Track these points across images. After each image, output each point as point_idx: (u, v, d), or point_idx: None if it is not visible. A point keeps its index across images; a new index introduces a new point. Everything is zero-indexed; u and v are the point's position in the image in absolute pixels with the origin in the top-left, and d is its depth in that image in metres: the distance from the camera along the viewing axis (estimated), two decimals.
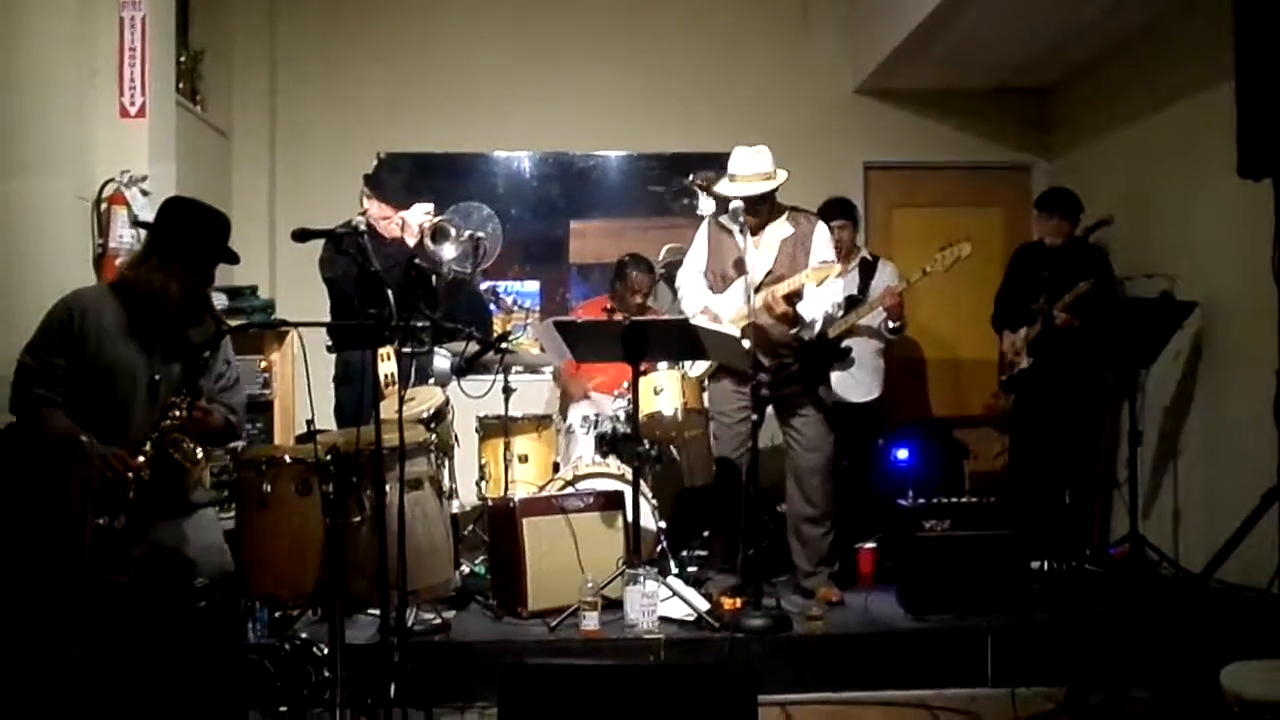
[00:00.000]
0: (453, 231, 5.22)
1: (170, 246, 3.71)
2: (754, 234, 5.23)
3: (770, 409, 5.37)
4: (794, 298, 5.13)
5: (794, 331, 5.21)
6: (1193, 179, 5.92)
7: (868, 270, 6.39)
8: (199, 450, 3.62)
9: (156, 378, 3.66)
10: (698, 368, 5.66)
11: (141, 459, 3.52)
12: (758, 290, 5.10)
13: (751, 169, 5.19)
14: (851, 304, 6.08)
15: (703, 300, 5.38)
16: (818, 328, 5.29)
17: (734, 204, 5.15)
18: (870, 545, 5.92)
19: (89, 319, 3.63)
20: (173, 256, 3.69)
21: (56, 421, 3.56)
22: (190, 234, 3.73)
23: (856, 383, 6.28)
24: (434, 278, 5.35)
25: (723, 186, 5.29)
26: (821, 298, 5.21)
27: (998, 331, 6.39)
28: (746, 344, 4.97)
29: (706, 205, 5.61)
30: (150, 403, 3.65)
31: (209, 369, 3.77)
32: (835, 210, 6.19)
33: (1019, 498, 5.68)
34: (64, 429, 3.55)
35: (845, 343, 6.16)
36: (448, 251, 5.20)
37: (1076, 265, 5.94)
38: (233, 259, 3.87)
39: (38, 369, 3.59)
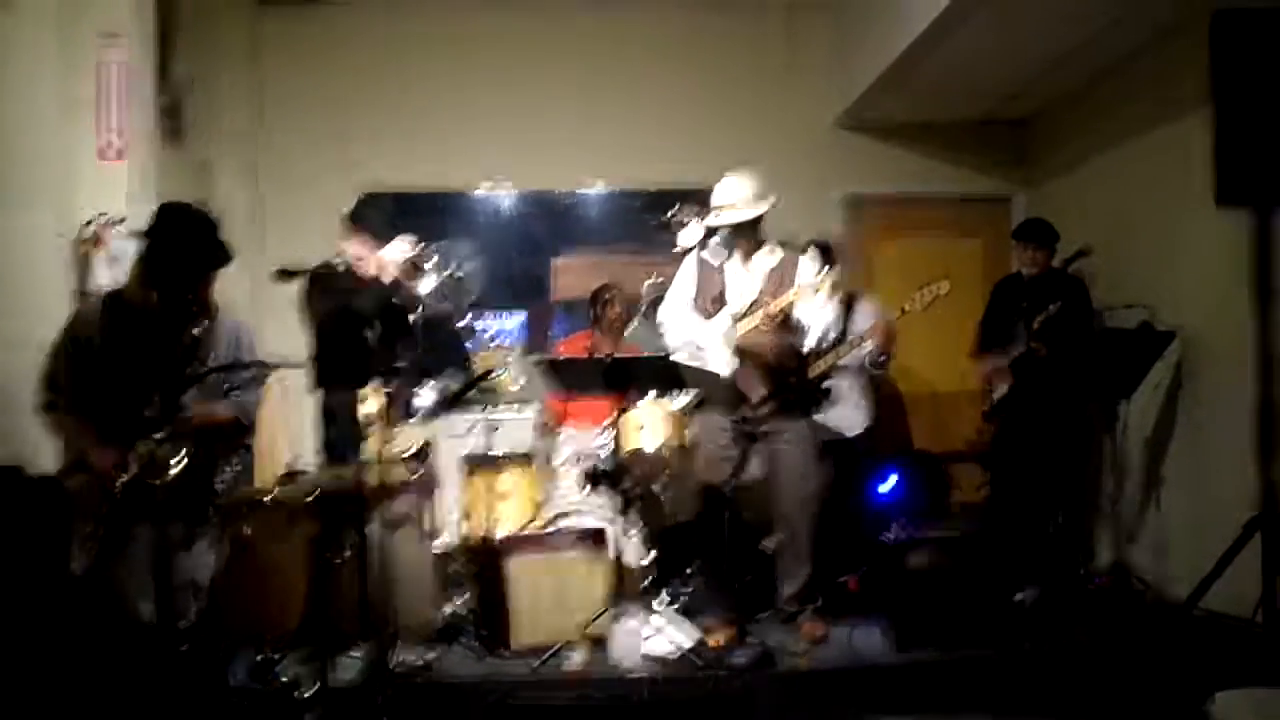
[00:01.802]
0: (430, 267, 5.20)
1: (152, 257, 3.92)
2: (744, 260, 5.27)
3: (756, 444, 5.36)
4: (786, 315, 5.13)
5: (794, 340, 5.21)
6: (1171, 208, 5.95)
7: (846, 307, 6.37)
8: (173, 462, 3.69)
9: (155, 378, 3.78)
10: (681, 402, 5.65)
11: (124, 475, 3.69)
12: (744, 318, 5.10)
13: (741, 194, 5.22)
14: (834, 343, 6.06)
15: (693, 329, 5.38)
16: (815, 335, 5.24)
17: (715, 239, 5.20)
18: (854, 578, 5.89)
19: (91, 331, 3.92)
20: (154, 266, 3.89)
21: (66, 425, 3.95)
22: (168, 244, 3.88)
23: (846, 418, 6.28)
24: (411, 317, 5.33)
25: (712, 218, 5.31)
26: (817, 308, 5.21)
27: (977, 358, 6.42)
28: (736, 365, 4.92)
29: (687, 236, 5.60)
30: (152, 401, 3.76)
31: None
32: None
33: (1002, 528, 5.68)
34: (71, 432, 3.94)
35: (827, 383, 6.14)
36: (425, 287, 5.18)
37: (1054, 295, 5.95)
38: (218, 261, 3.96)
39: (53, 377, 3.97)
